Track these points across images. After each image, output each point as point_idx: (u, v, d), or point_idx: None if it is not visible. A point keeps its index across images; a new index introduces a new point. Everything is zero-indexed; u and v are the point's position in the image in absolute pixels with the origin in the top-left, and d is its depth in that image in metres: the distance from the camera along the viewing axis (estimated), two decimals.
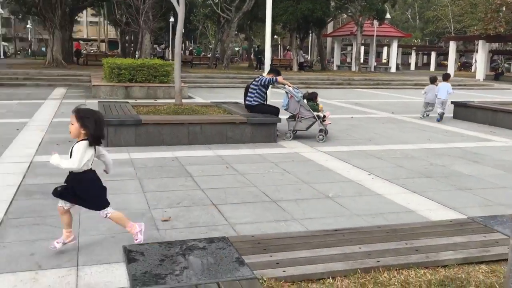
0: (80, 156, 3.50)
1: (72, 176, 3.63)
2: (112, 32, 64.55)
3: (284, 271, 2.57)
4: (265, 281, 2.47)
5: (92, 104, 13.12)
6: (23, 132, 8.81)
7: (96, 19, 67.18)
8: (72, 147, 3.56)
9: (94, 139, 3.58)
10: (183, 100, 10.81)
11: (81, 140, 3.56)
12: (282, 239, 3.06)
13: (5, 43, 51.80)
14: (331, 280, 2.52)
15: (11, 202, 4.82)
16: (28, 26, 57.85)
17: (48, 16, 25.23)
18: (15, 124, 9.60)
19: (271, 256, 2.76)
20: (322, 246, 2.90)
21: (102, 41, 66.71)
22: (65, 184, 3.67)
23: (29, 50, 56.98)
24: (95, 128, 3.53)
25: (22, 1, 28.90)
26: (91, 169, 3.65)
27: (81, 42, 36.44)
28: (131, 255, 2.70)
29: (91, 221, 4.37)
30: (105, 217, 3.75)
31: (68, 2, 29.06)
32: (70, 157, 3.55)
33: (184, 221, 4.48)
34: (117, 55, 36.52)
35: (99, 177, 3.77)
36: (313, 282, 2.51)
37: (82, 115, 3.55)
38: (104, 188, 3.79)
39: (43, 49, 53.08)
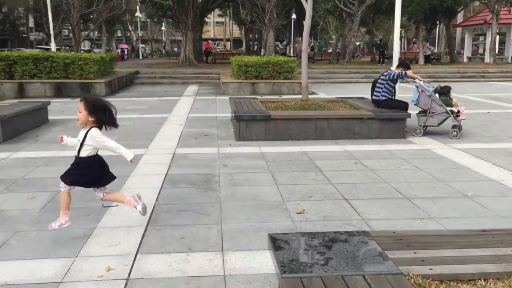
0: (106, 137, 3.88)
1: (82, 160, 3.89)
2: (236, 31, 67.19)
3: (431, 269, 2.52)
4: (411, 278, 2.45)
5: (222, 100, 13.86)
6: (164, 126, 9.62)
7: (222, 20, 70.48)
8: (86, 133, 3.84)
9: (103, 124, 3.89)
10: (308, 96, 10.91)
11: (92, 127, 3.85)
12: (425, 236, 2.99)
13: (142, 45, 56.55)
14: (483, 282, 2.43)
15: (160, 190, 5.32)
16: (162, 28, 62.57)
17: (182, 18, 27.04)
18: (157, 119, 10.51)
19: (415, 253, 2.72)
20: (469, 246, 2.78)
21: (228, 40, 69.71)
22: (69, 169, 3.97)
23: (163, 51, 61.58)
24: (104, 115, 3.83)
25: (158, 5, 31.33)
26: (96, 154, 3.95)
27: (210, 41, 38.45)
28: (276, 243, 2.85)
29: (230, 211, 4.66)
30: (59, 188, 3.93)
31: (199, 4, 30.87)
32: (83, 141, 3.83)
33: (318, 214, 4.57)
34: (241, 53, 37.93)
35: (97, 166, 3.98)
36: (463, 282, 2.43)
37: (89, 103, 3.81)
38: (91, 178, 3.95)
39: (175, 49, 57.07)
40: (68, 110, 12.14)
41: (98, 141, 3.85)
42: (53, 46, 22.05)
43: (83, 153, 3.88)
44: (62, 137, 3.96)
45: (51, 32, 21.73)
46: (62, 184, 3.90)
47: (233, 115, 9.00)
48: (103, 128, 3.95)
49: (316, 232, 3.10)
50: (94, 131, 3.84)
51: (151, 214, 4.55)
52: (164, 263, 3.54)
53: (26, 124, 8.90)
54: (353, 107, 9.35)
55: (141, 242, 3.91)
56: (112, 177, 4.09)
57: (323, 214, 4.59)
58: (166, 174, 5.97)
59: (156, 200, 4.97)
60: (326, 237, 2.93)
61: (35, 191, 5.22)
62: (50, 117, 10.22)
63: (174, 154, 7.12)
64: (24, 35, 54.61)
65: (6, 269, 3.44)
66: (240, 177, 5.87)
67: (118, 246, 3.82)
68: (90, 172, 3.90)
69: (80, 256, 3.65)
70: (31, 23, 54.87)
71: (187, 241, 3.93)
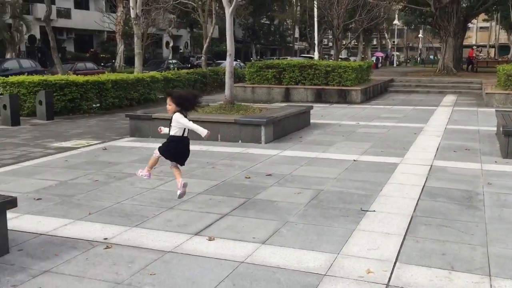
0: (185, 119, 4.69)
1: (171, 138, 4.82)
2: (503, 37, 60.56)
3: None
4: None
5: (485, 112, 12.71)
6: (420, 136, 9.36)
7: (487, 24, 64.47)
8: (172, 117, 4.75)
9: (185, 110, 4.77)
10: None
11: (176, 111, 4.72)
12: None
13: (397, 53, 56.05)
14: None
15: (417, 201, 5.21)
16: (419, 35, 60.84)
17: (443, 25, 25.79)
18: (412, 129, 10.30)
19: None
20: None
21: (492, 46, 63.51)
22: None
23: (418, 58, 59.81)
24: (185, 102, 4.73)
25: (418, 12, 30.57)
26: (183, 134, 4.80)
27: (474, 47, 35.36)
28: None
29: (498, 233, 4.27)
30: (154, 153, 4.94)
31: (463, 9, 28.93)
32: (171, 122, 4.74)
33: None
34: (508, 61, 33.98)
35: (182, 145, 4.87)
36: None
37: (173, 96, 4.76)
38: (174, 153, 4.88)
39: (431, 57, 54.83)
40: (328, 114, 12.91)
41: (179, 122, 4.72)
42: (316, 55, 23.75)
43: (172, 132, 4.79)
44: (160, 128, 5.01)
45: (316, 41, 23.42)
46: (156, 151, 4.91)
47: (500, 129, 8.17)
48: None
49: None
50: (176, 115, 4.75)
51: (409, 224, 4.51)
52: (425, 277, 3.47)
53: (292, 126, 9.84)
54: None
55: (399, 250, 3.91)
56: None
57: None
58: (423, 186, 5.81)
59: (414, 211, 4.90)
60: None
61: (301, 187, 5.74)
62: (311, 121, 11.05)
63: (431, 166, 6.87)
64: (290, 44, 60.32)
65: (278, 254, 3.88)
66: (508, 199, 5.31)
67: (377, 251, 3.90)
68: (174, 148, 4.84)
69: (342, 254, 3.86)
70: (296, 34, 60.22)
71: (449, 258, 3.76)
